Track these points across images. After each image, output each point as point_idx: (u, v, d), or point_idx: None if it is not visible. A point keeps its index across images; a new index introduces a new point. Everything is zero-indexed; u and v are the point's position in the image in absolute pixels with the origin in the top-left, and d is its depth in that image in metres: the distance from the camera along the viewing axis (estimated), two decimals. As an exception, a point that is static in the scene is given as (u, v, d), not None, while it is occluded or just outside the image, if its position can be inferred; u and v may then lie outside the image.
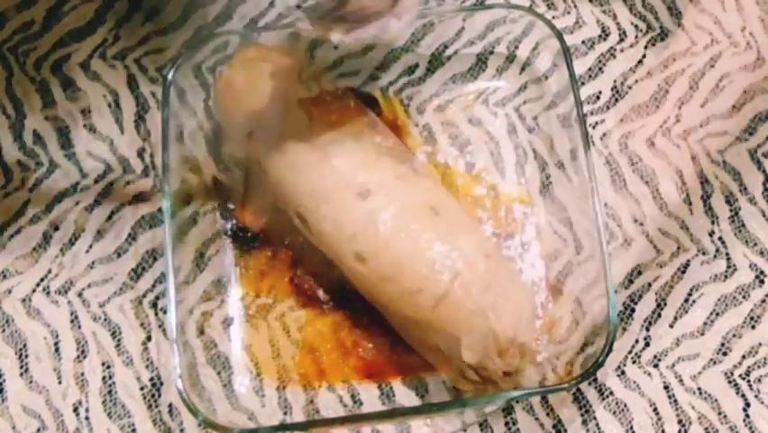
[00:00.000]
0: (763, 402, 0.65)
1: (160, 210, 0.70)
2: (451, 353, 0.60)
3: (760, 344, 0.66)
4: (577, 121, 0.66)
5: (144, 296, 0.68)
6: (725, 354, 0.66)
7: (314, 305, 0.67)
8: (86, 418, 0.66)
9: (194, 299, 0.67)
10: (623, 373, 0.66)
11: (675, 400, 0.65)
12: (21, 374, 0.67)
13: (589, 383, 0.65)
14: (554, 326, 0.66)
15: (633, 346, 0.66)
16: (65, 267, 0.69)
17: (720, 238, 0.68)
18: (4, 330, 0.68)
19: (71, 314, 0.68)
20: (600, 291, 0.62)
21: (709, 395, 0.65)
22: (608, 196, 0.70)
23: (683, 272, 0.68)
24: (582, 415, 0.65)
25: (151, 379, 0.67)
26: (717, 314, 0.67)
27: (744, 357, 0.66)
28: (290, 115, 0.64)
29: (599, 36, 0.74)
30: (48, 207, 0.70)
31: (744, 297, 0.67)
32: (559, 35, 0.67)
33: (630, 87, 0.72)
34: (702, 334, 0.66)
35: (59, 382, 0.67)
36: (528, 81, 0.72)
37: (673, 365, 0.66)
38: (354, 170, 0.62)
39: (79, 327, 0.68)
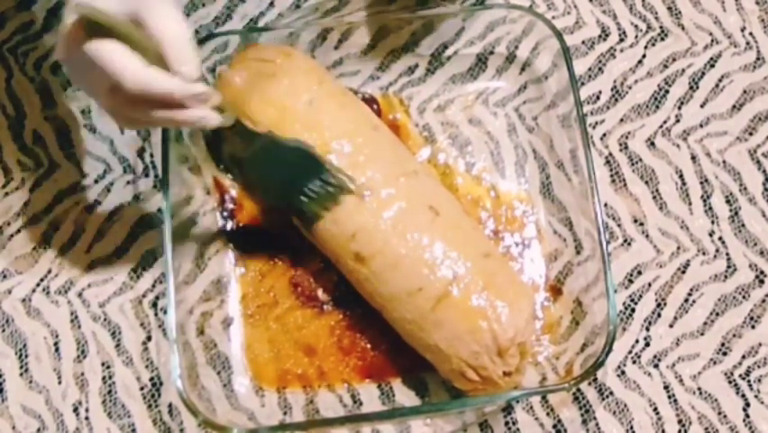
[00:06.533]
0: (763, 402, 0.65)
1: (159, 210, 0.69)
2: (451, 353, 0.60)
3: (760, 344, 0.66)
4: (577, 121, 0.66)
5: (144, 296, 0.68)
6: (725, 354, 0.66)
7: (313, 305, 0.67)
8: (86, 418, 0.66)
9: (194, 299, 0.67)
10: (623, 373, 0.66)
11: (675, 400, 0.65)
12: (21, 374, 0.67)
13: (589, 383, 0.65)
14: (554, 326, 0.66)
15: (633, 346, 0.66)
16: (65, 267, 0.69)
17: (720, 238, 0.68)
18: (4, 330, 0.68)
19: (71, 314, 0.68)
20: (600, 291, 0.62)
21: (709, 395, 0.65)
22: (608, 196, 0.70)
23: (683, 272, 0.68)
24: (582, 415, 0.65)
25: (151, 379, 0.67)
26: (717, 314, 0.67)
27: (744, 357, 0.66)
28: (290, 115, 0.64)
29: (599, 36, 0.74)
30: (48, 207, 0.70)
31: (744, 297, 0.67)
32: (559, 35, 0.67)
33: (630, 87, 0.72)
34: (702, 334, 0.66)
35: (59, 382, 0.67)
36: (528, 81, 0.72)
37: (673, 365, 0.66)
38: (354, 170, 0.62)
39: (79, 327, 0.68)
